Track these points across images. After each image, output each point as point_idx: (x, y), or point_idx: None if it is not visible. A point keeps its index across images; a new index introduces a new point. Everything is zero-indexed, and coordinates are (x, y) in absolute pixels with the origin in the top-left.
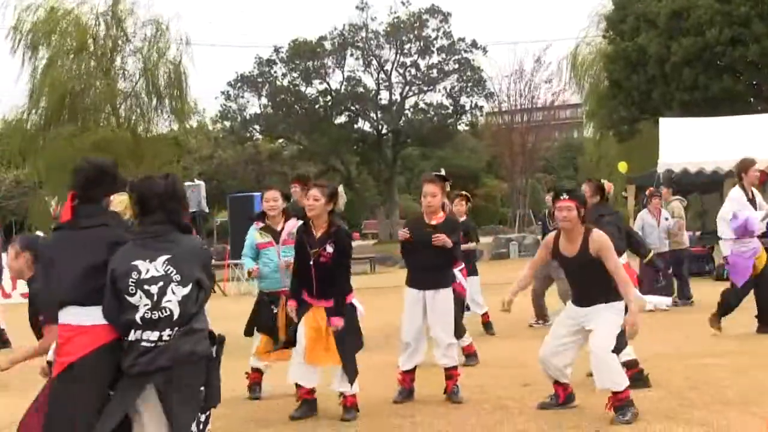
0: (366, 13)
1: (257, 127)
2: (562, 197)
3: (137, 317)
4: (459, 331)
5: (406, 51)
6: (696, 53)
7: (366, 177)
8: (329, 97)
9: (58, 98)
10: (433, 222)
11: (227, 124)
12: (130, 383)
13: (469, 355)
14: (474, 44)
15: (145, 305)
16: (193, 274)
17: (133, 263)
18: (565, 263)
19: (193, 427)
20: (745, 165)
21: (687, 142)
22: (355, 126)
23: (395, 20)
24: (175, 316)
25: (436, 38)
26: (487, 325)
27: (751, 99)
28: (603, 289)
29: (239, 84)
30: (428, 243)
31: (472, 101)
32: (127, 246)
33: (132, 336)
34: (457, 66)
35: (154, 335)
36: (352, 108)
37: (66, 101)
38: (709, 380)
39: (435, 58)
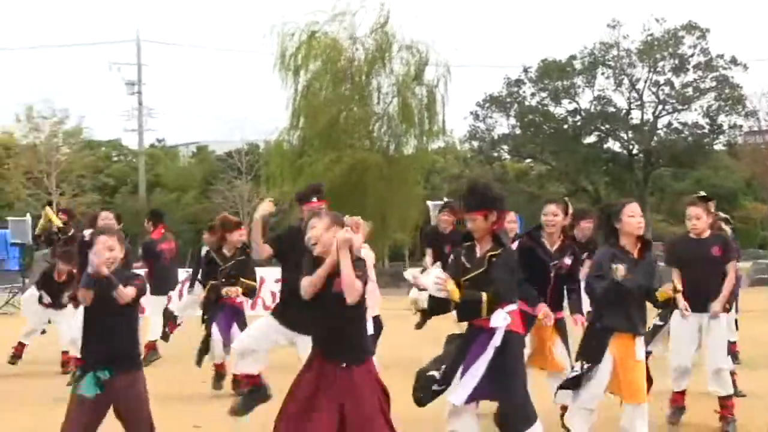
0: (617, 31)
1: (505, 147)
2: None
3: None
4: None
5: (659, 69)
6: None
7: (616, 198)
8: (578, 117)
9: (315, 123)
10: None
11: (475, 144)
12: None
13: None
14: (733, 60)
15: None
16: None
17: None
18: None
19: None
20: None
21: None
22: (605, 146)
23: (648, 38)
24: None
25: (692, 55)
26: (733, 356)
27: None
28: None
29: (488, 104)
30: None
31: (730, 120)
32: None
33: None
34: (714, 84)
35: None
36: (602, 128)
37: (323, 126)
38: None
39: (690, 76)
